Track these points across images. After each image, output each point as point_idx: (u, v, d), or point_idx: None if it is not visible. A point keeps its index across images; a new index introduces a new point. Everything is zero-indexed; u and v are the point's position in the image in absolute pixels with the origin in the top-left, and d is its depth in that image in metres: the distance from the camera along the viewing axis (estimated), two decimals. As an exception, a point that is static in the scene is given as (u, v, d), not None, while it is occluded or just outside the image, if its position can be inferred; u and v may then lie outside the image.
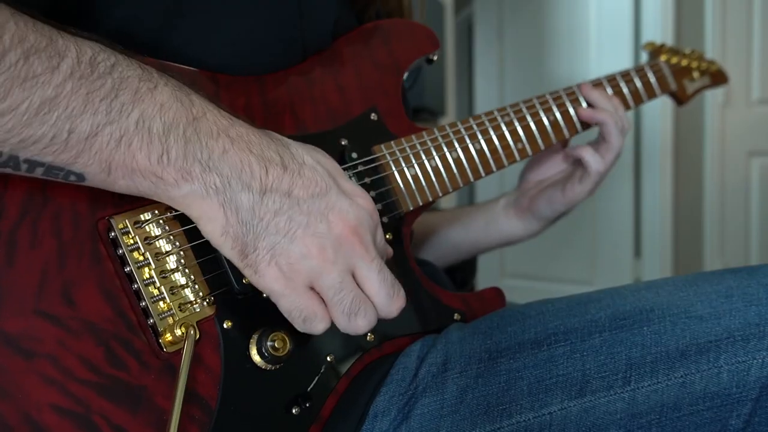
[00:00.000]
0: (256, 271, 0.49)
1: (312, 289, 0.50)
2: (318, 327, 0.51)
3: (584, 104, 0.84)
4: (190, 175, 0.47)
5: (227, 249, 0.49)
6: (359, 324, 0.51)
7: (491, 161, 0.74)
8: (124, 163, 0.45)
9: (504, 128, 0.75)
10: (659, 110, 3.16)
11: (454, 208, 1.05)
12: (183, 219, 0.52)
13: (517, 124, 0.77)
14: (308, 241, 0.49)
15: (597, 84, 0.87)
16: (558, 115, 0.81)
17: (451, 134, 0.71)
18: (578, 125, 0.83)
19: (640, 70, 0.92)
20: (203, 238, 0.53)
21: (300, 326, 0.51)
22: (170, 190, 0.47)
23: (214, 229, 0.48)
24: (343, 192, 0.52)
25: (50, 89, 0.42)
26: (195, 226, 0.50)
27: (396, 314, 0.53)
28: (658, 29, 3.09)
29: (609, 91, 0.87)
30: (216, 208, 0.48)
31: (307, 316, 0.50)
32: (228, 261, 0.54)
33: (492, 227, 0.93)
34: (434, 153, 0.69)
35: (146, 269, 0.50)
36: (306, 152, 0.52)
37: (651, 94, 0.93)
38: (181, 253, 0.52)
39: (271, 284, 0.49)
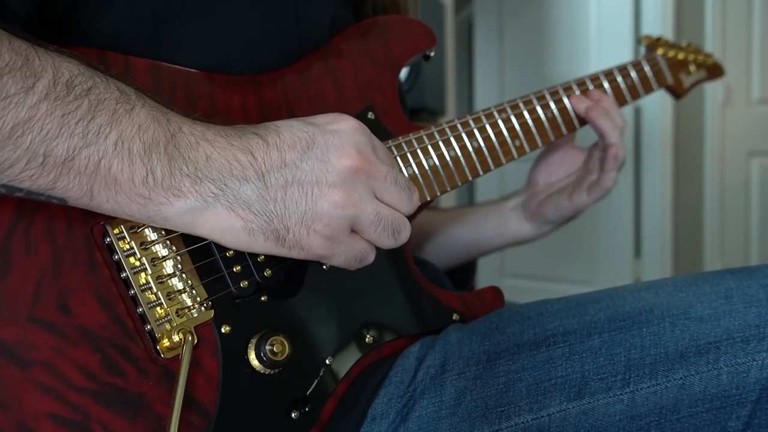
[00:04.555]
0: (302, 247, 0.50)
1: (352, 230, 0.52)
2: (370, 260, 0.55)
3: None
4: (181, 191, 0.46)
5: (261, 245, 0.49)
6: (403, 237, 0.55)
7: (489, 159, 0.73)
8: (107, 186, 0.45)
9: (502, 126, 0.75)
10: (659, 110, 3.16)
11: (460, 207, 1.04)
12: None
13: (515, 121, 0.76)
14: (329, 194, 0.50)
15: (594, 78, 0.86)
16: (556, 111, 0.80)
17: (449, 132, 0.71)
18: (576, 122, 0.83)
19: (636, 64, 0.92)
20: (200, 242, 0.53)
21: (356, 267, 0.54)
22: (163, 210, 0.47)
23: (236, 236, 0.48)
24: (325, 128, 0.52)
25: (24, 111, 0.41)
26: None
27: (417, 205, 0.57)
28: (658, 30, 3.09)
29: (606, 85, 0.86)
30: (224, 213, 0.47)
31: (361, 258, 0.54)
32: (225, 265, 0.54)
33: (503, 229, 0.92)
34: (432, 152, 0.69)
35: (143, 275, 0.50)
36: (275, 121, 0.52)
37: (648, 88, 0.92)
38: (178, 257, 0.52)
39: (320, 251, 0.51)
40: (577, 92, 0.83)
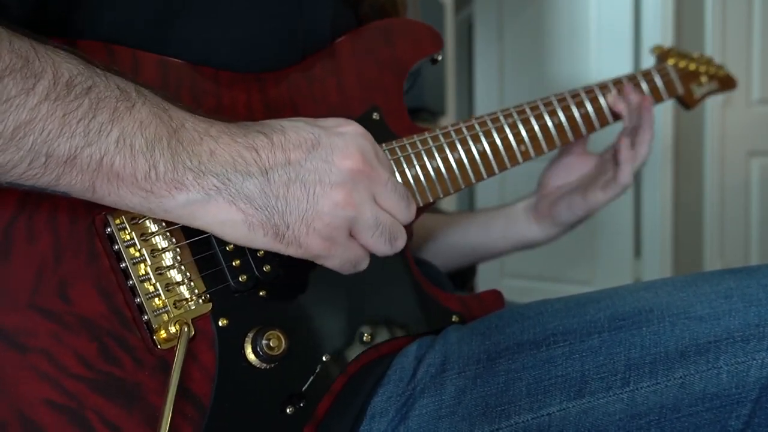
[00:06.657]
0: (299, 245, 0.50)
1: (350, 234, 0.52)
2: (364, 266, 0.55)
3: (589, 107, 0.83)
4: (183, 185, 0.46)
5: (260, 239, 0.49)
6: (398, 245, 0.55)
7: (493, 163, 0.73)
8: (109, 181, 0.45)
9: (507, 130, 0.75)
10: (659, 110, 3.15)
11: (467, 211, 1.04)
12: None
13: (521, 127, 0.76)
14: (331, 194, 0.50)
15: (603, 87, 0.85)
16: (563, 118, 0.80)
17: (453, 134, 0.70)
18: (583, 129, 0.82)
19: (647, 74, 0.92)
20: (200, 234, 0.53)
21: (349, 273, 0.54)
22: (164, 202, 0.47)
23: (236, 229, 0.48)
24: (331, 130, 0.52)
25: (25, 112, 0.41)
26: None
27: (414, 217, 0.56)
28: (658, 30, 3.09)
29: (614, 94, 0.86)
30: (226, 206, 0.48)
31: (356, 263, 0.54)
32: (225, 258, 0.54)
33: (511, 231, 0.92)
34: (436, 153, 0.68)
35: (142, 265, 0.50)
36: (280, 120, 0.53)
37: (658, 98, 0.93)
38: (178, 249, 0.52)
39: (317, 251, 0.51)
40: (586, 100, 0.83)
